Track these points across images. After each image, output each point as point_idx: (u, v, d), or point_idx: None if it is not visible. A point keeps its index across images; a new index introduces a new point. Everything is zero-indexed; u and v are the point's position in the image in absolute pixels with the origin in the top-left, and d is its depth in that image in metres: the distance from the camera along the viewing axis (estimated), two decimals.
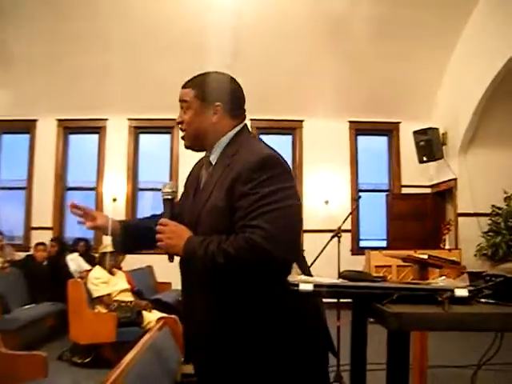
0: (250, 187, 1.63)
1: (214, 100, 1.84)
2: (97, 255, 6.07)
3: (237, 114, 1.89)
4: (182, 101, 1.89)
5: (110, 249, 5.69)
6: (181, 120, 1.89)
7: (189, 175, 2.07)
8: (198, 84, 1.88)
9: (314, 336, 1.74)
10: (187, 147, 1.94)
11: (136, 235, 2.03)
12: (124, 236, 2.00)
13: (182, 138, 1.92)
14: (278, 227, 1.57)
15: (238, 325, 1.67)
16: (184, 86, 1.91)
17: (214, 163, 1.85)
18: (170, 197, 1.86)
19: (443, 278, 1.82)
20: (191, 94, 1.86)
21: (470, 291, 1.52)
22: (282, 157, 1.74)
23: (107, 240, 6.42)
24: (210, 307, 1.72)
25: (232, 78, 1.93)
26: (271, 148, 1.79)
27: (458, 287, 1.51)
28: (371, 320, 1.75)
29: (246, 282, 1.64)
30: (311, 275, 1.71)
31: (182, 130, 1.90)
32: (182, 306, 1.94)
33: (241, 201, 1.64)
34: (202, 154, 1.96)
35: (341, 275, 1.60)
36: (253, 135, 1.89)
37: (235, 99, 1.90)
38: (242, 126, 1.89)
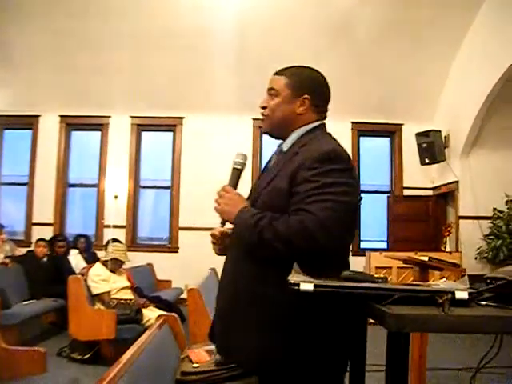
0: (312, 174, 1.68)
1: (303, 92, 1.90)
2: (101, 257, 6.10)
3: (320, 110, 1.96)
4: (270, 88, 1.95)
5: (112, 255, 5.74)
6: (265, 105, 1.95)
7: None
8: (292, 74, 1.95)
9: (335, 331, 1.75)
10: (265, 132, 2.01)
11: None
12: None
13: (263, 120, 1.98)
14: (330, 218, 1.61)
15: (259, 299, 1.75)
16: (277, 73, 1.98)
17: (285, 150, 1.91)
18: (239, 167, 1.94)
19: (444, 280, 1.82)
20: (283, 81, 1.93)
21: (470, 294, 1.52)
22: (349, 156, 1.79)
23: (108, 237, 6.47)
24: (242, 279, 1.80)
25: (323, 77, 1.99)
26: (341, 147, 1.83)
27: (458, 289, 1.51)
28: (370, 321, 1.76)
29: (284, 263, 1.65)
30: None
31: (263, 115, 1.96)
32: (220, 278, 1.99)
33: (300, 186, 1.69)
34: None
35: (341, 276, 1.60)
36: (329, 133, 1.94)
37: (322, 96, 1.97)
38: (320, 122, 1.95)
